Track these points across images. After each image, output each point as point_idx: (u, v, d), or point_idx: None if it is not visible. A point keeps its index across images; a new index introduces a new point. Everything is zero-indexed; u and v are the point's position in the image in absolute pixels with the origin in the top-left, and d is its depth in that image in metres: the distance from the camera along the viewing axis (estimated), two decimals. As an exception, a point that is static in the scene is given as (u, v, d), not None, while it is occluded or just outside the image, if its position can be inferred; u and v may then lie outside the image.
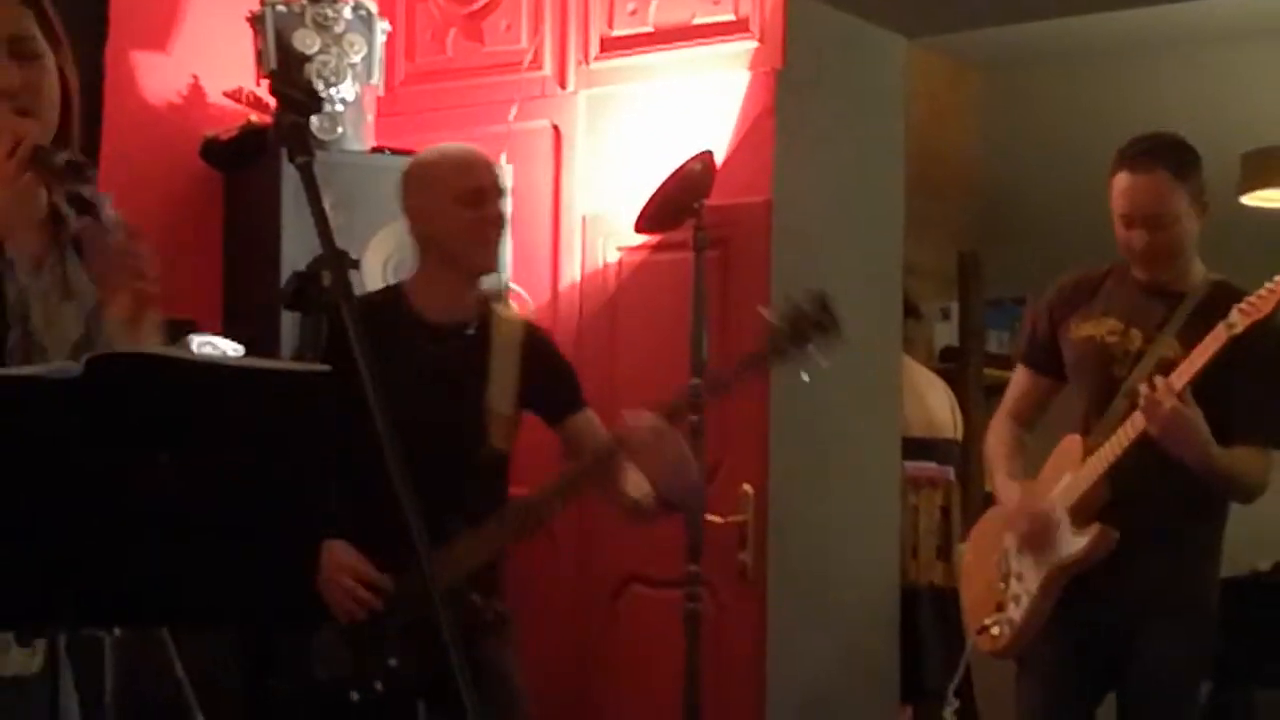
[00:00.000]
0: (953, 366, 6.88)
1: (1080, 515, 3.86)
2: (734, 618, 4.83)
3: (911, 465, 5.69)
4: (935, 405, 6.16)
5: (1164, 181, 3.83)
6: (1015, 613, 3.97)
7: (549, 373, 3.84)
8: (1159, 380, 3.69)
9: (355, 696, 3.56)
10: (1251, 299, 3.67)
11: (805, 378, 3.67)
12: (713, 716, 4.50)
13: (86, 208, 2.51)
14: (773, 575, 4.86)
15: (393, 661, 3.56)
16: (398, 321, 3.68)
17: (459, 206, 3.68)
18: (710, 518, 4.58)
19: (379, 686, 3.56)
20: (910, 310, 6.20)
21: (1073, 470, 3.90)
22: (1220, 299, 3.78)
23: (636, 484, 3.68)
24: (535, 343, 3.85)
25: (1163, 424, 3.67)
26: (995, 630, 4.02)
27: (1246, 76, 6.72)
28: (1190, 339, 3.76)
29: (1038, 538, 3.92)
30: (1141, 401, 3.70)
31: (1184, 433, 3.68)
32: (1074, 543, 3.85)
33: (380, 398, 2.18)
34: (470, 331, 3.74)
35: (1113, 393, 3.87)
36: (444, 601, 2.38)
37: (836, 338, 3.61)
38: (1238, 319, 3.66)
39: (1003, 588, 4.02)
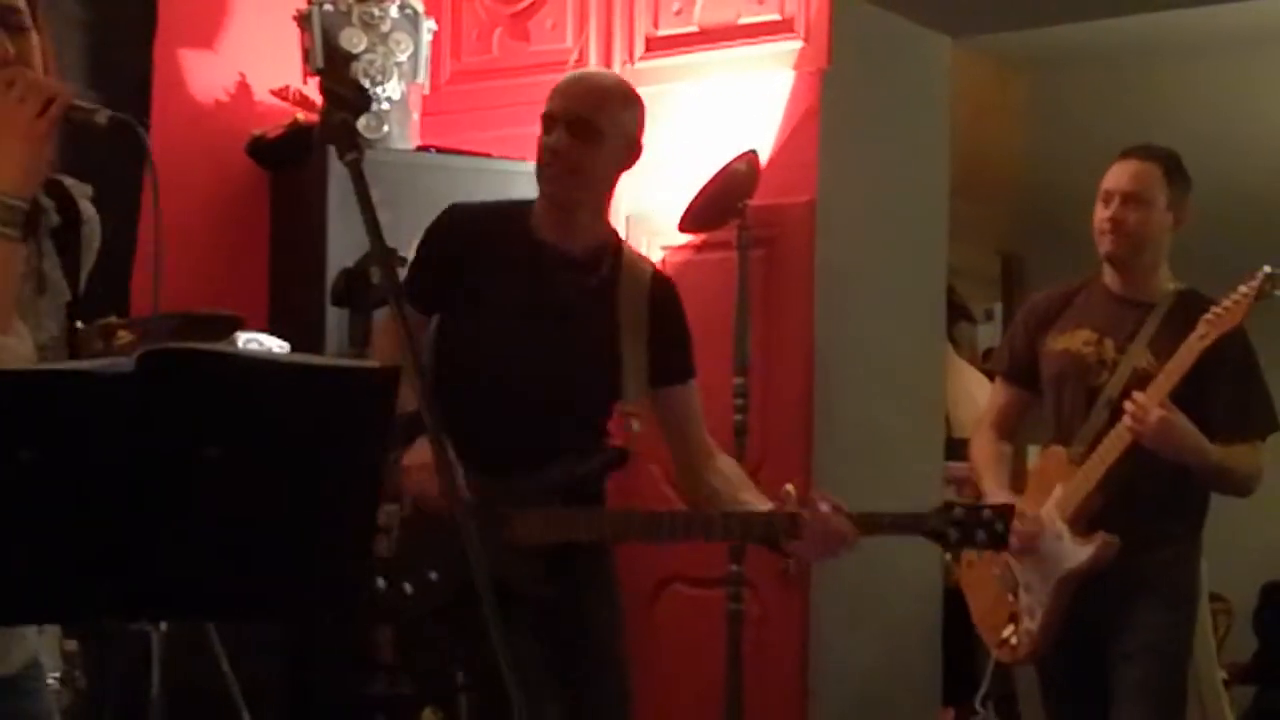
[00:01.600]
0: (995, 368, 6.85)
1: (1079, 524, 3.98)
2: (776, 618, 4.83)
3: (955, 466, 5.67)
4: (985, 406, 6.13)
5: (1152, 171, 4.05)
6: (1031, 623, 4.08)
7: (673, 338, 3.54)
8: (1138, 396, 3.88)
9: (381, 583, 3.35)
10: (1218, 310, 3.88)
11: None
12: (754, 716, 4.51)
13: (65, 200, 2.48)
14: (815, 576, 4.86)
15: (432, 575, 3.35)
16: (516, 239, 3.43)
17: (542, 132, 3.46)
18: (753, 517, 4.58)
19: (407, 588, 3.36)
20: (962, 313, 6.20)
21: (1063, 481, 4.02)
22: (1187, 307, 3.98)
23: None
24: (663, 299, 3.53)
25: (1154, 434, 3.85)
26: (1014, 641, 4.14)
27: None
28: (1160, 347, 3.96)
29: (1031, 550, 4.02)
30: (1128, 419, 3.87)
31: (1176, 438, 3.86)
32: (1080, 552, 3.97)
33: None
34: (601, 271, 3.46)
35: (1090, 402, 4.03)
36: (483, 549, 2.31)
37: (999, 550, 3.68)
38: (1207, 330, 3.87)
39: (1012, 600, 4.14)
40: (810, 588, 4.84)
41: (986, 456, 4.26)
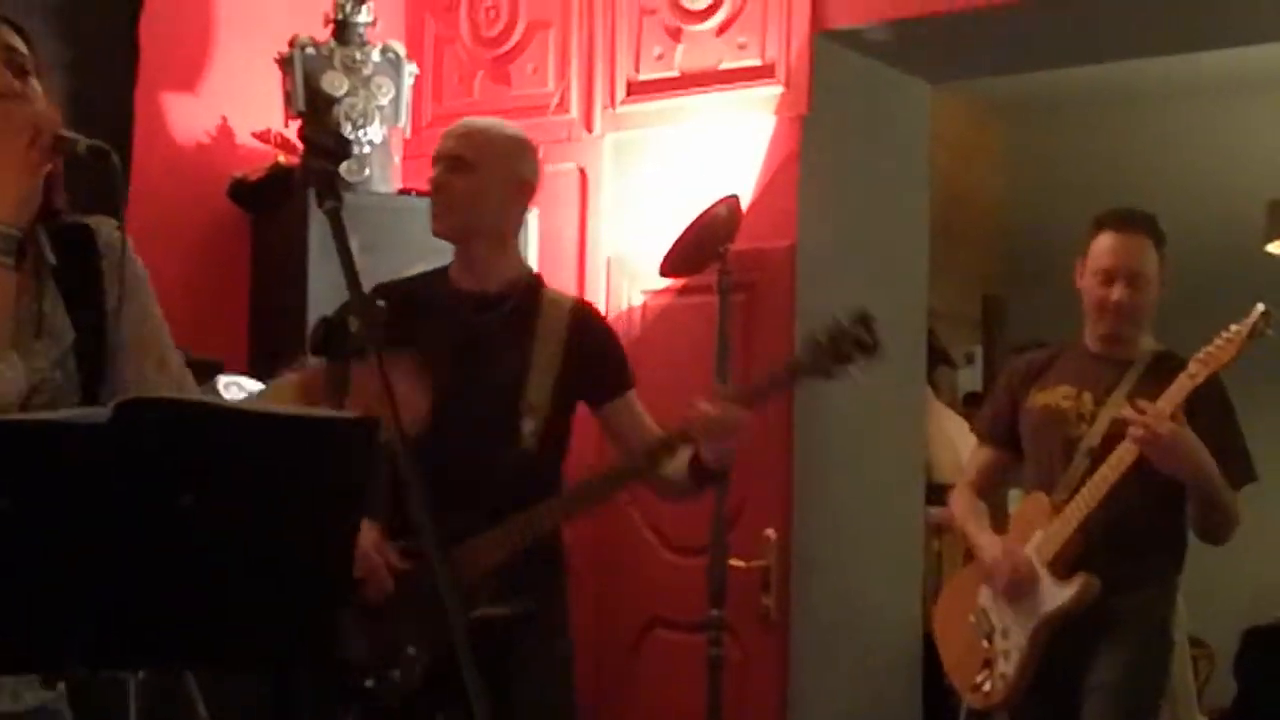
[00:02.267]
0: (976, 412, 6.86)
1: (1058, 567, 3.99)
2: (756, 662, 4.82)
3: (934, 510, 5.68)
4: (964, 451, 6.12)
5: (1145, 244, 4.08)
6: (1007, 667, 4.07)
7: (599, 360, 3.70)
8: (1145, 404, 3.87)
9: (370, 684, 3.49)
10: (1210, 349, 3.88)
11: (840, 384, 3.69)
12: (734, 761, 4.50)
13: (86, 239, 2.49)
14: (796, 620, 4.85)
15: (410, 650, 3.49)
16: (435, 295, 3.66)
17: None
18: (733, 562, 4.58)
19: (395, 676, 3.49)
20: (942, 357, 6.21)
21: (1043, 526, 4.03)
22: (1164, 366, 4.01)
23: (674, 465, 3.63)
24: (583, 323, 3.71)
25: (1163, 447, 3.84)
26: (987, 687, 4.12)
27: (1271, 125, 6.72)
28: (1138, 399, 3.93)
29: (1019, 587, 4.03)
30: (1135, 430, 3.85)
31: (1184, 452, 3.85)
32: (1060, 594, 3.98)
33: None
34: (507, 307, 3.65)
35: (1069, 452, 4.04)
36: (456, 598, 2.36)
37: (877, 357, 3.62)
38: (1197, 369, 3.87)
39: (987, 645, 4.13)
40: (790, 631, 4.84)
41: (965, 509, 4.29)
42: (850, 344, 3.55)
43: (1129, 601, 3.99)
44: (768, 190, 4.94)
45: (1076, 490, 3.98)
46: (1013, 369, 4.34)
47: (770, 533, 4.84)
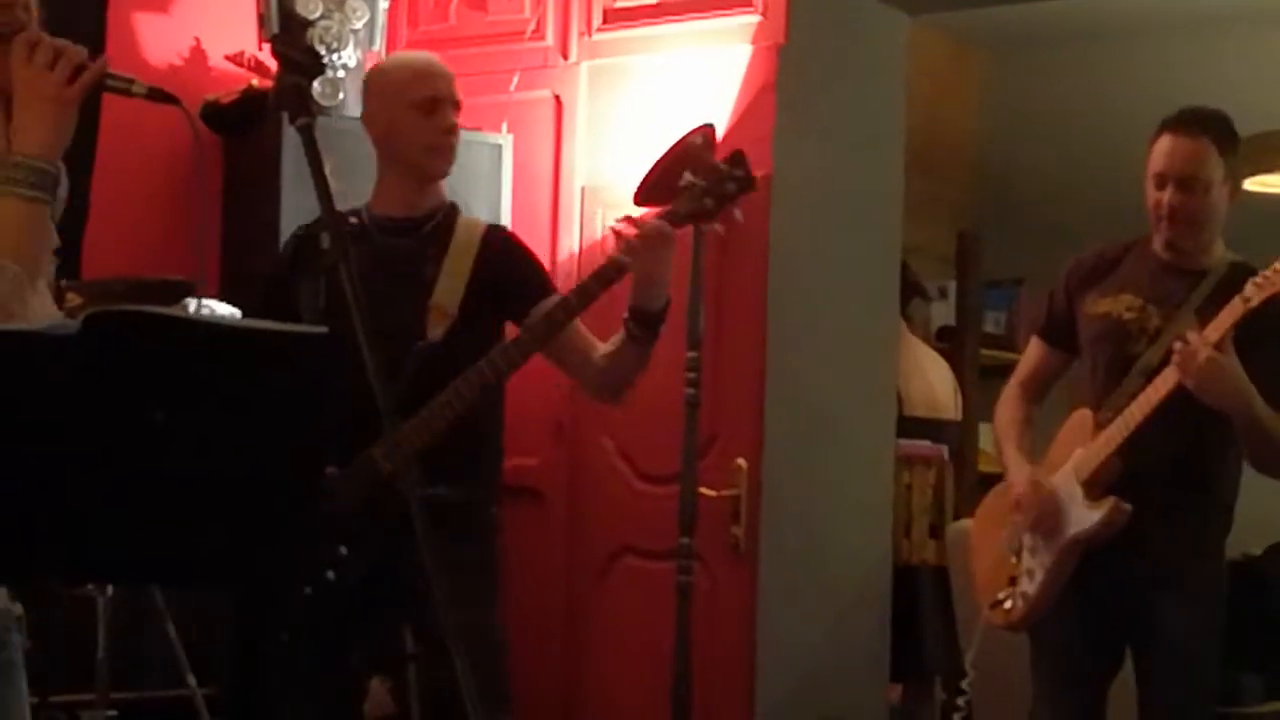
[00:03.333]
0: (949, 346, 6.88)
1: (1093, 489, 3.85)
2: (725, 591, 4.84)
3: (906, 443, 5.69)
4: (938, 385, 6.17)
5: (1206, 147, 3.85)
6: (1029, 586, 3.95)
7: (509, 268, 3.81)
8: (1192, 334, 3.69)
9: (307, 589, 3.48)
10: (1267, 273, 3.68)
11: (720, 229, 3.74)
12: (702, 689, 4.53)
13: None
14: (765, 550, 4.87)
15: (342, 550, 3.50)
16: (358, 226, 3.74)
17: (415, 113, 3.77)
18: (704, 491, 4.60)
19: (330, 575, 3.50)
20: (917, 290, 6.20)
21: (1084, 444, 3.89)
22: (1239, 279, 3.77)
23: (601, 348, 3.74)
24: (495, 240, 3.85)
25: (1199, 374, 3.67)
26: (1008, 604, 4.00)
27: (1250, 60, 6.71)
28: (1208, 316, 3.75)
29: (1047, 520, 3.91)
30: (1176, 356, 3.69)
31: (1223, 382, 3.68)
32: (1087, 516, 3.85)
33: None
34: (427, 228, 3.78)
35: (1127, 369, 3.86)
36: (390, 491, 2.37)
37: (750, 191, 3.65)
38: (1253, 292, 3.67)
39: (1014, 562, 4.00)
40: (759, 561, 4.86)
41: (1008, 420, 4.11)
42: (731, 185, 3.60)
43: (1176, 548, 3.84)
44: (743, 120, 4.92)
45: (1122, 410, 3.82)
46: (1075, 264, 4.08)
47: (741, 462, 4.85)
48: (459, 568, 3.54)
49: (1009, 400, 4.15)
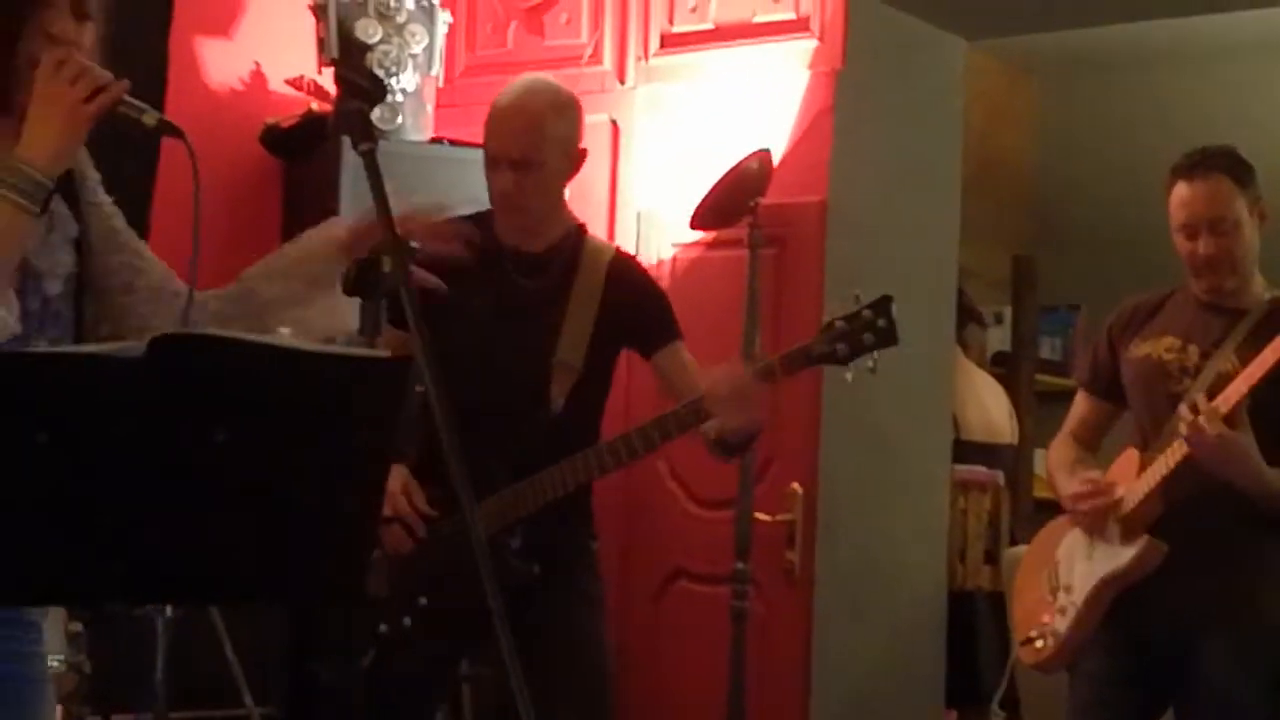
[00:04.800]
0: (1005, 371, 6.87)
1: (1131, 528, 3.78)
2: (780, 616, 4.83)
3: (961, 468, 5.68)
4: (994, 410, 6.15)
5: (1224, 186, 3.79)
6: (1061, 624, 3.90)
7: (633, 305, 3.68)
8: (1202, 402, 3.62)
9: (384, 629, 3.53)
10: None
11: (849, 377, 3.62)
12: (757, 714, 4.52)
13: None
14: (820, 575, 4.86)
15: (423, 600, 3.54)
16: (485, 246, 3.56)
17: (486, 166, 3.67)
18: (759, 516, 4.59)
19: (407, 622, 3.54)
20: (972, 315, 6.19)
21: (1128, 483, 3.82)
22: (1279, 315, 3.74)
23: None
24: (619, 272, 3.70)
25: (1208, 451, 3.61)
26: (1039, 643, 3.94)
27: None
28: (1248, 354, 3.68)
29: (1096, 521, 3.82)
30: (1183, 427, 3.63)
31: (1231, 461, 3.62)
32: (1122, 554, 3.77)
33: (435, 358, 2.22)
34: (554, 268, 3.66)
35: (1171, 409, 3.78)
36: (483, 549, 2.37)
37: (891, 345, 3.54)
38: (1272, 355, 3.59)
39: (1050, 600, 3.94)
40: (814, 586, 4.84)
41: (1060, 459, 4.05)
42: (869, 336, 3.49)
43: (1224, 591, 3.74)
44: (800, 145, 4.93)
45: (1166, 449, 3.74)
46: (1118, 314, 4.02)
47: (796, 487, 4.85)
48: (575, 603, 3.60)
49: (1060, 444, 4.10)
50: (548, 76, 3.85)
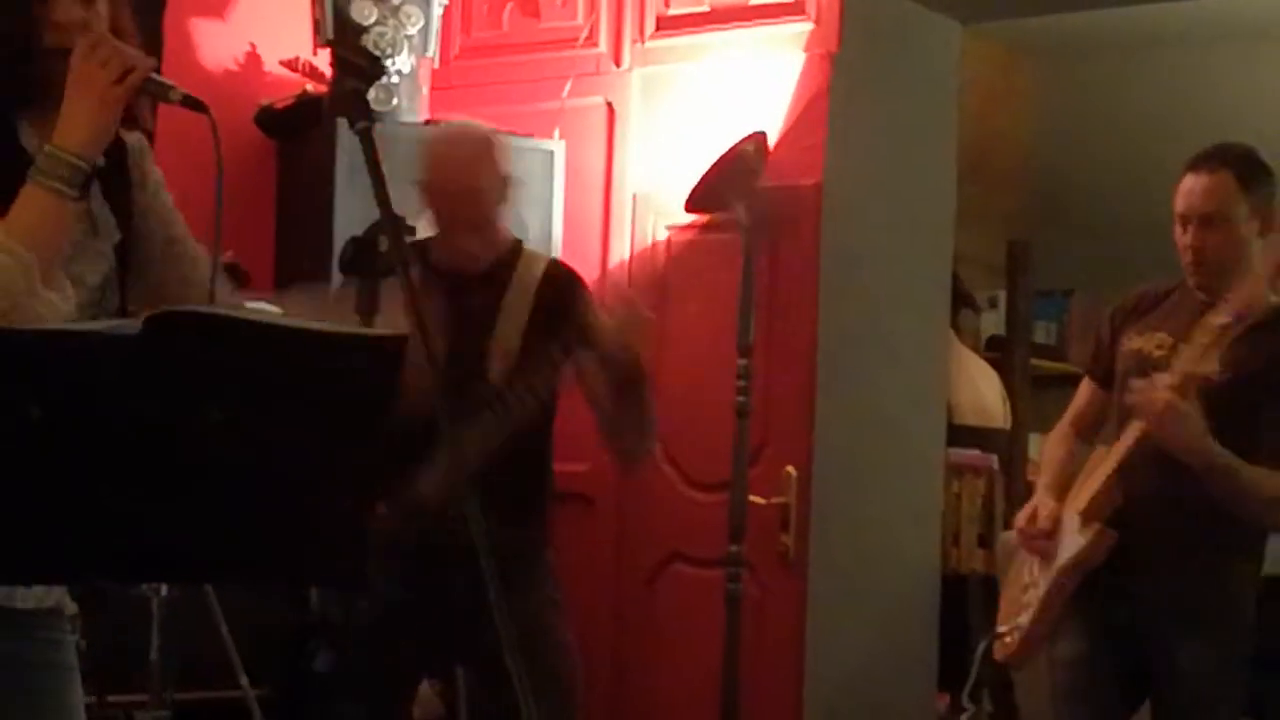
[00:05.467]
0: (999, 356, 6.86)
1: (1088, 518, 3.81)
2: (774, 599, 4.84)
3: (955, 452, 5.68)
4: (987, 394, 6.16)
5: (1225, 183, 3.78)
6: (1024, 618, 3.92)
7: (559, 308, 3.78)
8: (1158, 375, 3.66)
9: (337, 618, 3.57)
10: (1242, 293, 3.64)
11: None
12: (750, 697, 4.53)
13: (119, 150, 2.51)
14: (814, 558, 4.86)
15: (378, 585, 3.52)
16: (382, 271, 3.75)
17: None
18: (753, 499, 4.60)
19: (363, 606, 3.54)
20: (965, 300, 6.19)
21: (1096, 476, 3.85)
22: (1275, 322, 3.72)
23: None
24: (553, 275, 3.86)
25: (1155, 415, 3.65)
26: (1008, 638, 3.98)
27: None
28: (1233, 356, 3.68)
29: (1046, 546, 3.89)
30: (1132, 395, 3.68)
31: (1176, 426, 3.64)
32: (1075, 543, 3.81)
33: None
34: (486, 271, 3.81)
35: None
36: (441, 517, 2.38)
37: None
38: (1224, 311, 3.63)
39: (1021, 596, 3.99)
40: (808, 569, 4.85)
41: (1052, 455, 4.08)
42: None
43: (1192, 585, 3.76)
44: (795, 128, 4.92)
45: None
46: (1121, 303, 4.03)
47: (790, 470, 4.85)
48: (523, 611, 3.59)
49: (1056, 438, 4.12)
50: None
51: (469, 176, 3.78)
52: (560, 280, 3.88)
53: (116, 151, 2.49)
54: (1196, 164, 3.83)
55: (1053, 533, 3.86)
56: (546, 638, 3.69)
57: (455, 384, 3.49)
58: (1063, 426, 4.13)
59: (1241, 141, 3.90)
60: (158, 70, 2.40)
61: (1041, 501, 3.95)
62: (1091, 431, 4.10)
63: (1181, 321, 3.83)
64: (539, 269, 3.86)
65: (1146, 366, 3.82)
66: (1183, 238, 3.82)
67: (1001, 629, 3.99)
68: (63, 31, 2.37)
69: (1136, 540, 3.78)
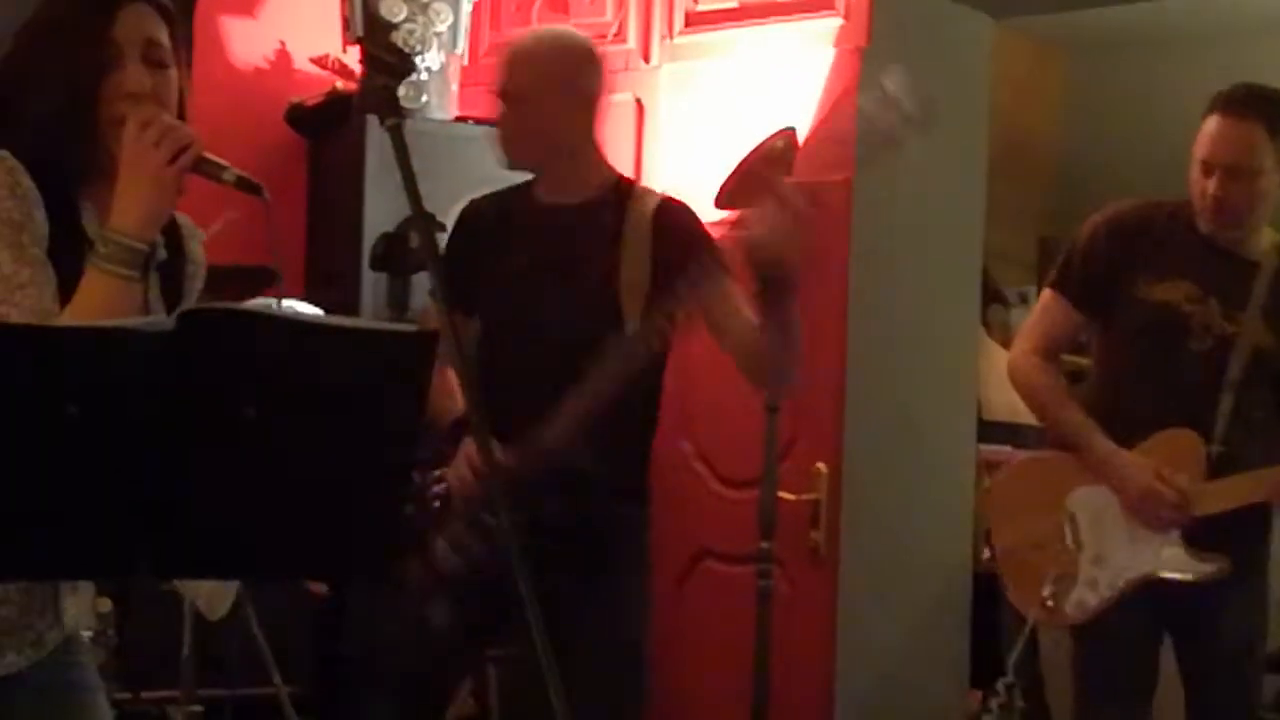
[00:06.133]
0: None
1: (1195, 536, 3.74)
2: (805, 596, 4.83)
3: (986, 449, 5.66)
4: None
5: (1255, 132, 3.68)
6: (1091, 597, 3.81)
7: (679, 246, 3.49)
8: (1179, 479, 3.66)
9: (450, 560, 3.42)
10: None
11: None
12: (782, 694, 4.52)
13: (175, 236, 2.51)
14: (845, 555, 4.85)
15: (489, 520, 3.37)
16: (518, 210, 3.59)
17: None
18: (784, 495, 4.59)
19: (474, 546, 3.40)
20: (996, 296, 6.17)
21: (1190, 473, 3.73)
22: None
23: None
24: (664, 220, 3.57)
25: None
26: (1051, 603, 3.82)
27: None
28: (1273, 318, 3.67)
29: (1160, 523, 3.76)
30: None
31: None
32: (1189, 566, 3.73)
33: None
34: (596, 217, 3.55)
35: (1193, 372, 3.73)
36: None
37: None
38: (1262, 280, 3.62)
39: (1067, 557, 3.82)
40: (839, 565, 4.84)
41: (1049, 384, 3.93)
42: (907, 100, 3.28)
43: (1244, 553, 3.77)
44: (825, 123, 4.91)
45: (1227, 441, 3.70)
46: (1118, 228, 3.88)
47: (821, 466, 4.84)
48: (610, 599, 3.53)
49: (1037, 369, 3.93)
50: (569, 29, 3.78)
51: (531, 81, 3.55)
52: (675, 214, 3.62)
53: (172, 233, 2.49)
54: (1226, 107, 3.71)
55: (1180, 506, 3.73)
56: (623, 636, 3.59)
57: (588, 336, 3.36)
58: (1030, 356, 3.96)
59: (1269, 85, 3.79)
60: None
61: (1112, 450, 3.79)
62: (1056, 357, 3.98)
63: (1204, 268, 3.75)
64: (651, 204, 3.60)
65: (1177, 323, 3.75)
66: (1202, 182, 3.72)
67: (1045, 593, 3.82)
68: (133, 101, 2.35)
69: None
